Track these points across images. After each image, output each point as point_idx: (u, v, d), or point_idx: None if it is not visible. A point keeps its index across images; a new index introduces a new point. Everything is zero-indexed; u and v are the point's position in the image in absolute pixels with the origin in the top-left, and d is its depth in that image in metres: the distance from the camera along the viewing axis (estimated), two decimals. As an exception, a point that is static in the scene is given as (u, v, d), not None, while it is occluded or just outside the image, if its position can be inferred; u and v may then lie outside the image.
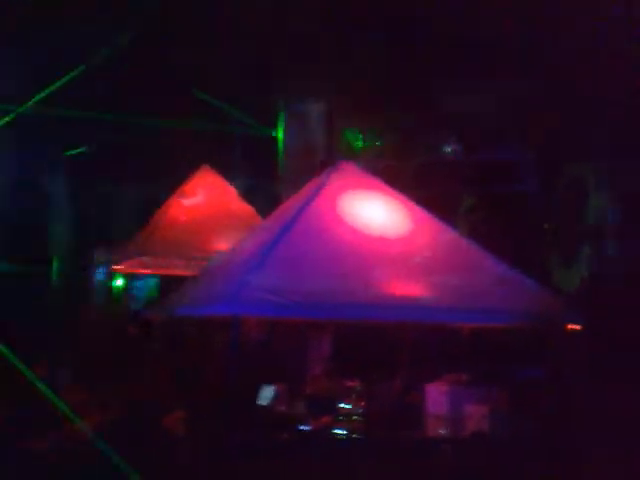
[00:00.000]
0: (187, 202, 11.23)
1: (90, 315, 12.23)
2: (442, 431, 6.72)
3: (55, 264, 13.32)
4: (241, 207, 11.29)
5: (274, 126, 11.59)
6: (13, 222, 12.51)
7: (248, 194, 11.59)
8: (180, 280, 8.98)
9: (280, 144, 11.48)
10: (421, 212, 7.18)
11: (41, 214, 13.41)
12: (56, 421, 6.21)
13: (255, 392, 7.09)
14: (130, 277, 12.62)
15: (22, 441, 5.60)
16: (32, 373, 7.67)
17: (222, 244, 9.77)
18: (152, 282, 12.72)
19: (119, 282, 12.69)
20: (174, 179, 11.61)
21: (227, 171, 11.73)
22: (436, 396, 6.94)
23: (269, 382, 7.31)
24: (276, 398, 7.16)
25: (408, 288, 6.42)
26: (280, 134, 11.47)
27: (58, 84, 9.40)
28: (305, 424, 6.79)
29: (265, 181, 11.77)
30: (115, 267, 11.81)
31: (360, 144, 10.82)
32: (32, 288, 12.38)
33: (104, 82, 10.65)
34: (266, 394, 7.18)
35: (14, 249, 12.49)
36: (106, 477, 5.21)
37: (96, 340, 10.21)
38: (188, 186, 11.43)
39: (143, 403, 6.46)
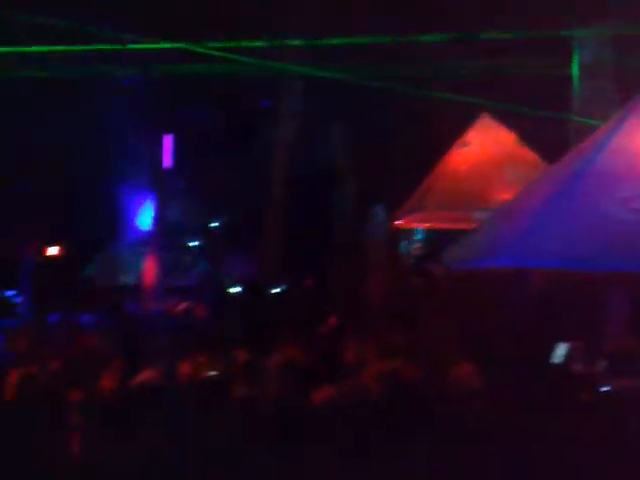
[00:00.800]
0: (467, 152, 10.94)
1: (370, 269, 12.56)
2: None
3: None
4: (524, 154, 10.71)
5: (564, 63, 10.51)
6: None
7: (532, 140, 10.91)
8: (460, 233, 8.78)
9: (575, 82, 10.30)
10: None
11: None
12: (343, 371, 6.39)
13: (547, 349, 6.66)
14: (410, 232, 12.72)
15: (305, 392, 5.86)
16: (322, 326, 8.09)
17: (505, 194, 9.36)
18: (431, 236, 12.69)
19: (400, 237, 12.85)
20: (453, 129, 11.36)
21: (507, 117, 11.13)
22: None
23: (561, 339, 6.82)
24: (571, 356, 6.66)
25: None
26: (574, 71, 10.28)
27: None
28: (605, 385, 6.21)
29: (551, 124, 10.92)
30: (395, 222, 11.97)
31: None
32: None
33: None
34: (560, 352, 6.71)
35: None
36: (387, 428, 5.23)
37: (379, 294, 10.45)
38: (467, 135, 11.12)
39: (429, 354, 6.41)
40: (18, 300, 12.25)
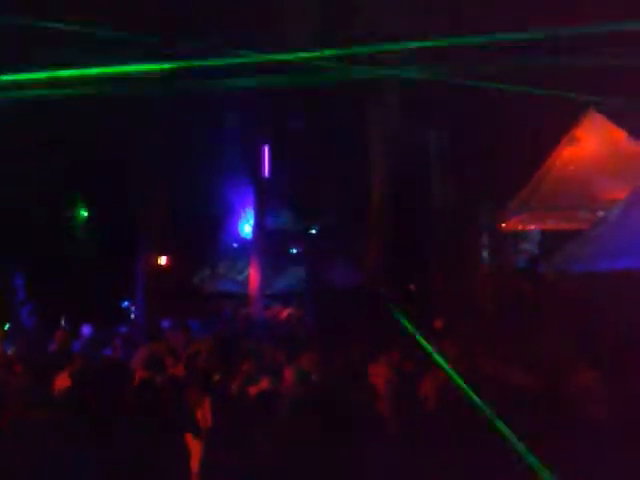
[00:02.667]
0: (575, 150, 10.53)
1: (479, 272, 12.30)
2: None
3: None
4: (636, 150, 10.20)
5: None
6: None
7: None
8: (571, 233, 8.47)
9: None
10: None
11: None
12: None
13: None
14: (517, 233, 12.36)
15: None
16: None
17: (617, 192, 8.97)
18: (540, 237, 12.29)
19: (507, 239, 12.51)
20: (558, 127, 10.94)
21: (616, 112, 10.62)
22: None
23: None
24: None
25: None
26: None
27: None
28: None
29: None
30: (501, 225, 11.66)
31: None
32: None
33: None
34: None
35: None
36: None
37: (487, 296, 10.24)
38: (574, 133, 10.68)
39: (547, 362, 6.20)
40: (133, 309, 12.76)
